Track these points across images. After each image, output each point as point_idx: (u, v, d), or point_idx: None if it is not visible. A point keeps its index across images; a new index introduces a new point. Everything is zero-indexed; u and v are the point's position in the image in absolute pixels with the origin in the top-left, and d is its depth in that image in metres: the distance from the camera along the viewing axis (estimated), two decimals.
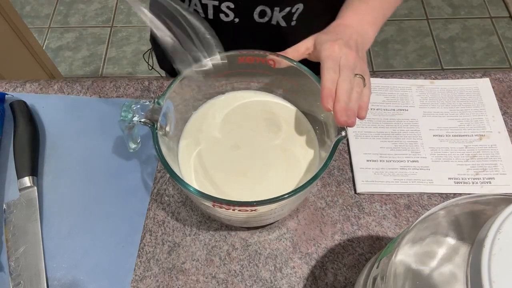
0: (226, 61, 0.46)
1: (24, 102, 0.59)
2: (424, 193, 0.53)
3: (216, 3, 0.59)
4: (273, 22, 0.62)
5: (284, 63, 0.46)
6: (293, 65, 0.46)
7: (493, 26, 1.83)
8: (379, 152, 0.56)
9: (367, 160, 0.55)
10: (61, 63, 1.76)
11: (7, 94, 0.61)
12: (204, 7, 0.61)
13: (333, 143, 0.40)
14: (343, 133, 0.40)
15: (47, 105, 0.61)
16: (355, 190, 0.53)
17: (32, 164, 0.54)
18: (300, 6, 0.60)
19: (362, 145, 0.57)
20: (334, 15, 0.55)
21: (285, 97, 0.53)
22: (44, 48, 1.75)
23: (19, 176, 0.53)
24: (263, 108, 0.53)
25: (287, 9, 0.59)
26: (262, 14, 0.60)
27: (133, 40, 1.83)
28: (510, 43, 1.78)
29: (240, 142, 0.50)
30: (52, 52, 1.78)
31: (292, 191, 0.38)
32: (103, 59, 1.77)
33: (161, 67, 0.84)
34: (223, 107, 0.53)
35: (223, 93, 0.53)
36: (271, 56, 0.47)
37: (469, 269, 0.23)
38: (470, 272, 0.22)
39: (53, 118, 0.60)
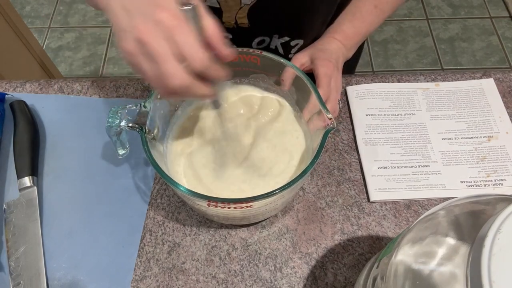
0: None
1: (24, 102, 0.59)
2: (438, 198, 0.53)
3: None
4: (272, 46, 0.63)
5: (288, 75, 0.48)
6: (280, 61, 0.46)
7: (493, 26, 1.83)
8: (389, 158, 0.56)
9: (378, 167, 0.55)
10: (61, 63, 1.76)
11: (7, 94, 0.61)
12: None
13: (322, 134, 0.41)
14: (331, 124, 0.40)
15: (47, 105, 0.61)
16: (368, 198, 0.53)
17: (32, 164, 0.54)
18: (300, 42, 0.61)
19: (372, 152, 0.56)
20: None
21: (272, 93, 0.53)
22: (44, 48, 1.75)
23: (19, 176, 0.53)
24: (250, 105, 0.53)
25: (286, 38, 0.61)
26: (261, 42, 0.62)
27: None
28: (510, 43, 1.78)
29: (229, 140, 0.50)
30: (52, 52, 1.78)
31: (285, 184, 0.39)
32: (103, 59, 1.77)
33: None
34: (210, 106, 0.53)
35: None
36: (255, 53, 0.47)
37: (469, 269, 0.23)
38: (470, 272, 0.22)
39: (53, 118, 0.60)
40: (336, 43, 0.54)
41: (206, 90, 0.35)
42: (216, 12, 0.56)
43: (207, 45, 0.35)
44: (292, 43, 0.62)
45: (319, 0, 0.56)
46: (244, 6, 0.54)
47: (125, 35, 0.33)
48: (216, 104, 0.41)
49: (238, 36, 0.60)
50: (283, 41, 0.61)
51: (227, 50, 0.36)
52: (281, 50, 0.63)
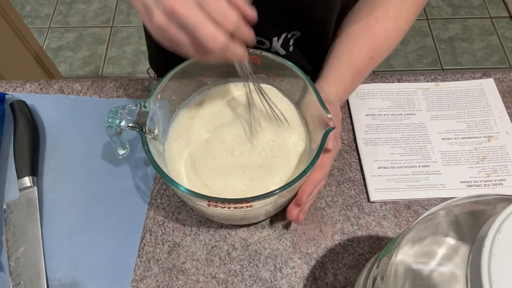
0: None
1: (24, 102, 0.59)
2: (438, 198, 0.53)
3: None
4: (272, 50, 0.62)
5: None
6: (280, 61, 0.46)
7: (493, 26, 1.83)
8: (389, 158, 0.56)
9: (378, 167, 0.55)
10: (61, 63, 1.76)
11: (7, 94, 0.61)
12: None
13: (322, 135, 0.41)
14: (331, 125, 0.41)
15: (47, 105, 0.61)
16: (368, 198, 0.53)
17: (32, 164, 0.54)
18: (296, 33, 0.60)
19: (372, 152, 0.56)
20: (328, 41, 0.60)
21: (272, 93, 0.53)
22: (44, 48, 1.75)
23: (19, 176, 0.53)
24: (250, 105, 0.53)
25: (283, 35, 0.60)
26: (260, 43, 0.61)
27: (133, 40, 1.83)
28: (510, 43, 1.78)
29: (229, 140, 0.50)
30: (52, 52, 1.78)
31: (285, 184, 0.39)
32: (103, 59, 1.77)
33: (152, 67, 0.84)
34: (210, 106, 0.53)
35: (209, 92, 0.53)
36: (255, 53, 0.47)
37: (469, 269, 0.23)
38: (470, 272, 0.22)
39: (53, 118, 0.60)
40: (338, 99, 0.52)
41: (241, 50, 0.38)
42: None
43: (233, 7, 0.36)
44: (289, 35, 0.61)
45: (316, 3, 0.55)
46: None
47: (154, 10, 0.35)
48: (244, 69, 0.43)
49: None
50: (282, 41, 0.61)
51: (251, 11, 0.37)
52: (282, 52, 0.63)
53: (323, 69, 0.54)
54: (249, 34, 0.38)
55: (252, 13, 0.37)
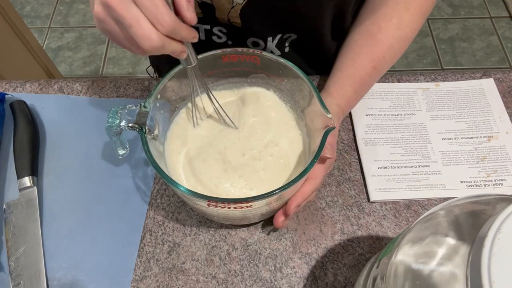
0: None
1: (24, 102, 0.59)
2: (438, 198, 0.53)
3: (208, 27, 0.59)
4: (267, 51, 0.62)
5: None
6: (280, 61, 0.46)
7: (493, 26, 1.83)
8: (389, 158, 0.56)
9: (378, 167, 0.55)
10: (61, 63, 1.76)
11: (7, 94, 0.61)
12: (195, 29, 0.61)
13: (321, 136, 0.41)
14: (331, 124, 0.40)
15: (47, 105, 0.61)
16: (368, 198, 0.53)
17: (32, 164, 0.54)
18: (292, 36, 0.60)
19: (372, 152, 0.56)
20: (324, 45, 0.61)
21: (272, 93, 0.53)
22: (44, 48, 1.75)
23: (19, 176, 0.53)
24: (249, 105, 0.53)
25: (278, 36, 0.60)
26: (255, 44, 0.61)
27: None
28: (510, 43, 1.78)
29: (228, 140, 0.50)
30: (52, 52, 1.78)
31: (285, 184, 0.39)
32: (103, 59, 1.77)
33: (152, 65, 0.84)
34: (210, 106, 0.53)
35: (209, 93, 0.53)
36: (255, 53, 0.47)
37: (469, 269, 0.23)
38: (470, 272, 0.22)
39: (53, 118, 0.60)
40: (339, 111, 0.51)
41: (178, 46, 0.38)
42: (209, 8, 0.55)
43: (174, 9, 0.36)
44: (285, 36, 0.61)
45: (306, 3, 0.54)
46: (236, 6, 0.54)
47: (95, 0, 0.35)
48: (188, 61, 0.43)
49: (233, 33, 0.60)
50: (276, 42, 0.61)
51: (191, 15, 0.37)
52: (278, 53, 0.63)
53: (326, 81, 0.54)
54: (188, 34, 0.38)
55: (191, 17, 0.37)
